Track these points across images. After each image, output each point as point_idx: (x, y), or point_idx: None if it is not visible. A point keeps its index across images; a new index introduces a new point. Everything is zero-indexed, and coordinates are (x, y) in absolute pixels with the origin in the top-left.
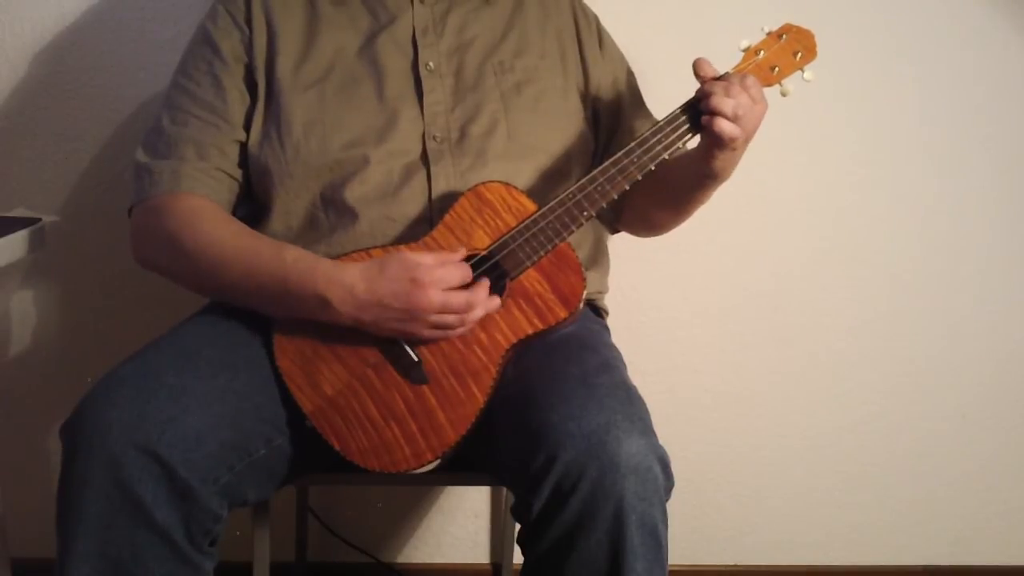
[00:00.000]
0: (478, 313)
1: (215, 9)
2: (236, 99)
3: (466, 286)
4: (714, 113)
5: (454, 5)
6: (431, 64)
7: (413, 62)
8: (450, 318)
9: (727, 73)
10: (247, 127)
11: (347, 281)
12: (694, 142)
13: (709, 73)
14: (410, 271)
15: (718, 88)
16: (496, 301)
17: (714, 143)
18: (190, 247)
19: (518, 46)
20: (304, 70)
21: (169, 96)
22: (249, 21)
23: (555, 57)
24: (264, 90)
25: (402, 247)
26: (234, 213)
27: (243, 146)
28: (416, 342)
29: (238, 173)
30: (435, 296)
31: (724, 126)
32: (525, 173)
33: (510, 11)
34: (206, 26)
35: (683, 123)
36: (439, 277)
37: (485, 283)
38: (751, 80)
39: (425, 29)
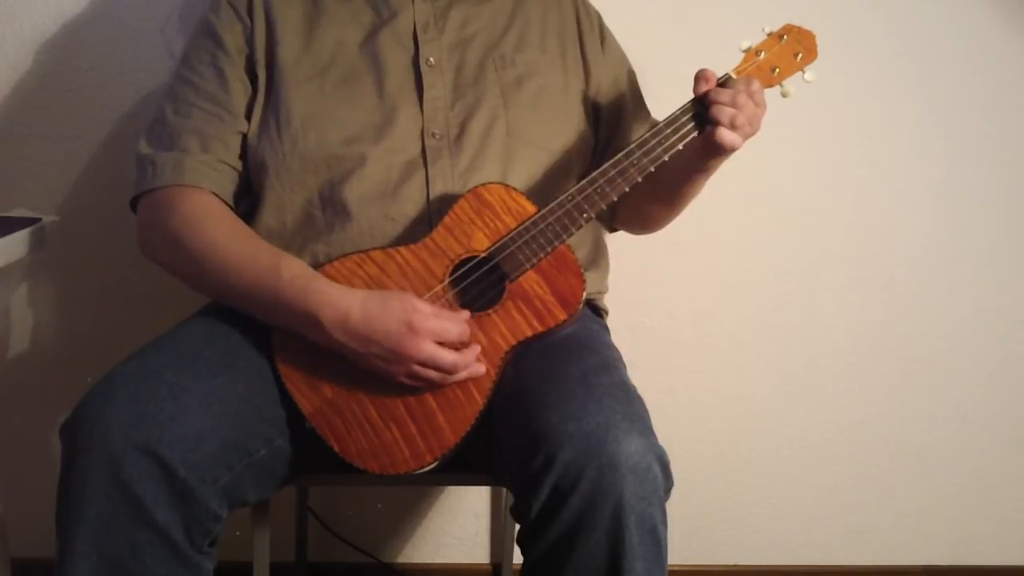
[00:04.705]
0: (461, 376)
1: (217, 1)
2: (239, 90)
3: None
4: (718, 124)
5: (455, 1)
6: (432, 59)
7: (414, 57)
8: (432, 373)
9: (728, 77)
10: (249, 118)
11: (343, 306)
12: None
13: (711, 84)
14: (408, 314)
15: (724, 97)
16: (481, 368)
17: (714, 149)
18: (191, 248)
19: (519, 41)
20: (304, 62)
21: (172, 87)
22: (251, 13)
23: (555, 53)
24: (264, 81)
25: (402, 248)
26: (236, 206)
27: (245, 138)
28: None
29: (240, 165)
30: (425, 347)
31: (726, 136)
32: (524, 170)
33: (511, 7)
34: (208, 18)
35: (683, 125)
36: (435, 329)
37: (476, 348)
38: (756, 86)
39: (426, 24)
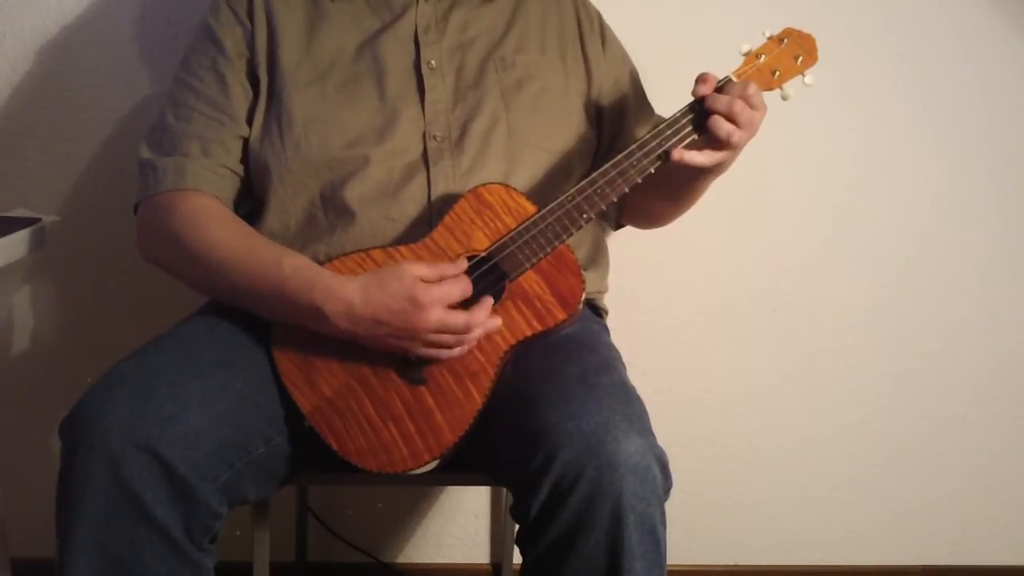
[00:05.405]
0: (476, 334)
1: (217, 4)
2: (239, 94)
3: (467, 302)
4: (717, 137)
5: (456, 3)
6: (433, 62)
7: (415, 60)
8: (447, 338)
9: (729, 80)
10: (250, 122)
11: (345, 295)
12: None
13: (711, 87)
14: (409, 289)
15: (721, 105)
16: (497, 321)
17: (720, 146)
18: (193, 248)
19: (519, 43)
20: (305, 66)
21: (172, 92)
22: (251, 16)
23: (555, 55)
24: (266, 85)
25: (402, 247)
26: (236, 210)
27: (246, 142)
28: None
29: (241, 169)
30: (434, 316)
31: (733, 136)
32: (525, 171)
33: (511, 9)
34: (208, 22)
35: (683, 127)
36: (439, 295)
37: (487, 302)
38: (753, 89)
39: (427, 27)
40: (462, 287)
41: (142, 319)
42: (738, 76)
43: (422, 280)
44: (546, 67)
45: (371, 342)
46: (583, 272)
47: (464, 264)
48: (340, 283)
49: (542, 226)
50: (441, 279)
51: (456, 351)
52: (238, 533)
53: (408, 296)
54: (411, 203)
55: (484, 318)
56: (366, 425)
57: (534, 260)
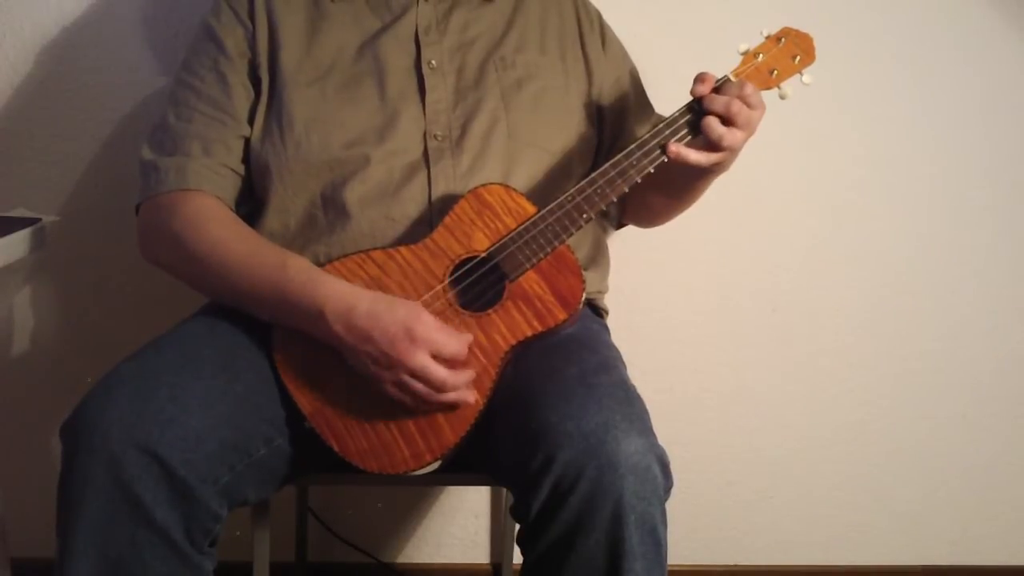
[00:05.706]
0: (448, 398)
1: (218, 5)
2: (240, 94)
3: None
4: (709, 140)
5: (457, 4)
6: (433, 62)
7: (415, 60)
8: (419, 387)
9: (727, 79)
10: (251, 122)
11: (350, 300)
12: None
13: (707, 91)
14: (411, 322)
15: (719, 104)
16: (471, 397)
17: (714, 148)
18: (195, 248)
19: (519, 42)
20: (306, 66)
21: (173, 92)
22: (252, 16)
23: (555, 55)
24: (267, 85)
25: (402, 248)
26: (236, 209)
27: (247, 142)
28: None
29: (242, 169)
30: (419, 357)
31: (725, 139)
32: (525, 171)
33: (511, 9)
34: (209, 22)
35: (681, 127)
36: (435, 338)
37: (469, 372)
38: (749, 89)
39: (428, 27)
40: (457, 346)
41: (142, 319)
42: (736, 75)
43: (428, 323)
44: (546, 67)
45: (350, 354)
46: (583, 272)
47: (470, 338)
48: (348, 289)
49: (542, 226)
50: (442, 331)
51: (419, 408)
52: (238, 533)
53: (408, 326)
54: (411, 203)
55: (461, 384)
56: (367, 426)
57: (534, 260)
